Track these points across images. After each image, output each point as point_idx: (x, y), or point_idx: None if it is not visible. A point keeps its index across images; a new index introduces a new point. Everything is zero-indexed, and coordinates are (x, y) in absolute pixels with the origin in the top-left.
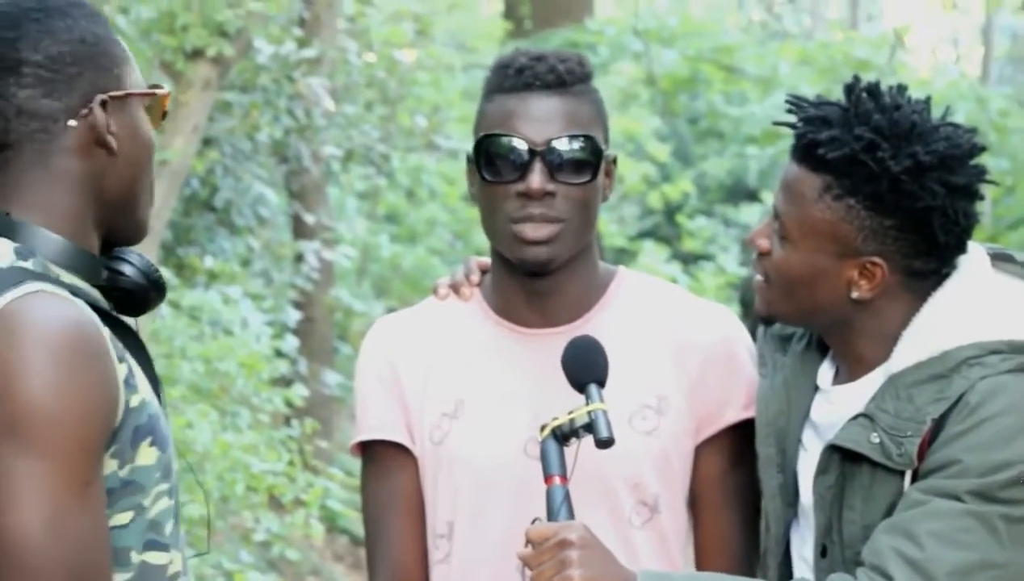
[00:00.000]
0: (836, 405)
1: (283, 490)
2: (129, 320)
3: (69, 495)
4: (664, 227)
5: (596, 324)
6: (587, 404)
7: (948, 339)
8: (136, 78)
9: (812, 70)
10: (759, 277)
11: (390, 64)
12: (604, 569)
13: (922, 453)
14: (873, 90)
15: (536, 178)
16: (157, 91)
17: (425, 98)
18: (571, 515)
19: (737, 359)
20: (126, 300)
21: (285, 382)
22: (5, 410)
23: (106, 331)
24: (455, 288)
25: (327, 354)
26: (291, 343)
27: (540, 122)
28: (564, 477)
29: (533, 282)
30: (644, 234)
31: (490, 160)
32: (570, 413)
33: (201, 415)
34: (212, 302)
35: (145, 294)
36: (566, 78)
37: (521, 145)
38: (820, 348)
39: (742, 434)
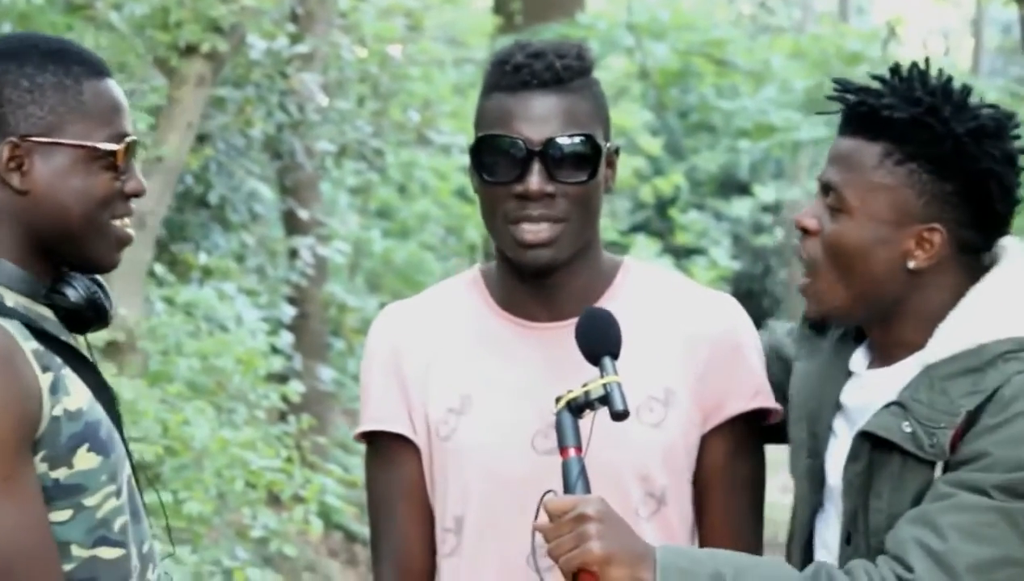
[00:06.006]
0: (867, 390)
1: (282, 486)
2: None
3: None
4: (656, 221)
5: None
6: (602, 376)
7: (986, 332)
8: (84, 130)
9: (804, 63)
10: (804, 279)
11: (382, 59)
12: (623, 543)
13: (954, 445)
14: (918, 68)
15: (534, 180)
16: (100, 145)
17: (416, 93)
18: (587, 488)
19: (743, 349)
20: (71, 319)
21: (280, 378)
22: None
23: (30, 344)
24: None
25: (321, 350)
26: (286, 339)
27: (538, 121)
28: (579, 448)
29: (537, 279)
30: (636, 228)
31: (488, 160)
32: (585, 385)
33: (198, 411)
34: (207, 298)
35: (85, 314)
36: (563, 75)
37: (518, 145)
38: (857, 336)
39: (747, 423)
